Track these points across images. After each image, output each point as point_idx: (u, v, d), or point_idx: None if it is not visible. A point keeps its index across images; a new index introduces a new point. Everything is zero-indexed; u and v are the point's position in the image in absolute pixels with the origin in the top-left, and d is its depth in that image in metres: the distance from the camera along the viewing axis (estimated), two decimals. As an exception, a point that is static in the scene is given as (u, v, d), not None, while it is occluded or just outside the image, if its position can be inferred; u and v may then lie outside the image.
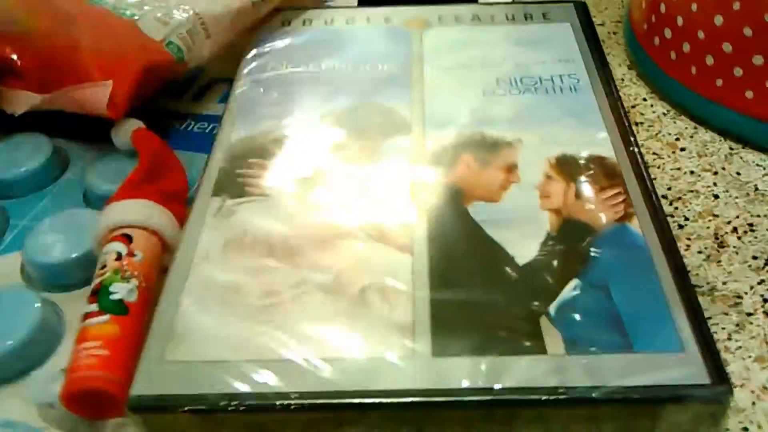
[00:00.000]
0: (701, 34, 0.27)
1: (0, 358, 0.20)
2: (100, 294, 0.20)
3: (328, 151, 0.26)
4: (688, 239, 0.24)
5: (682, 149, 0.27)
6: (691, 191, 0.25)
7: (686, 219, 0.24)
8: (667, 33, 0.28)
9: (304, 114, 0.27)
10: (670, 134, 0.28)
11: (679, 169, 0.26)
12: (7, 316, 0.21)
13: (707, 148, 0.27)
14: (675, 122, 0.28)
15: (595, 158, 0.24)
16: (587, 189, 0.23)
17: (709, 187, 0.25)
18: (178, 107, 0.30)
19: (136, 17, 0.28)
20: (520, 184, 0.24)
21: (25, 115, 0.27)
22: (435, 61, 0.30)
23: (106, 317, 0.20)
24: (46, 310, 0.22)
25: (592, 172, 0.24)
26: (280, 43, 0.31)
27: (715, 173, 0.26)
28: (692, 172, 0.26)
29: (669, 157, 0.27)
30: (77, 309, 0.22)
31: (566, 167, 0.24)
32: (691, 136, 0.28)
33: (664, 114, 0.29)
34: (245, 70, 0.29)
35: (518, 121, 0.26)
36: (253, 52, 0.31)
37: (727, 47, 0.26)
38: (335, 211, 0.23)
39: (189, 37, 0.28)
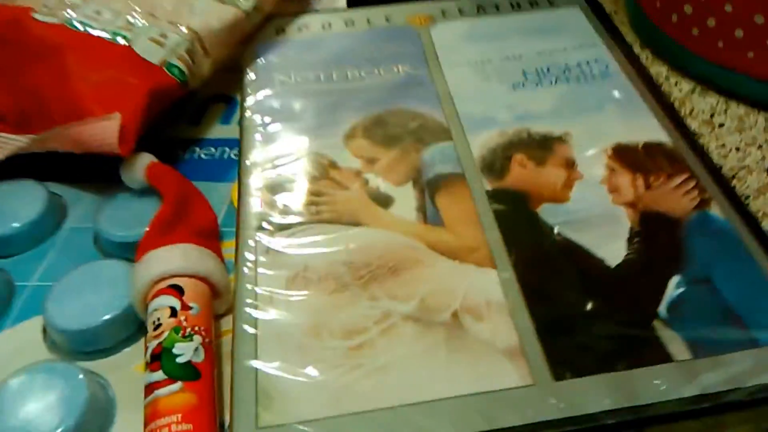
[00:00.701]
0: (728, 8, 0.26)
1: (51, 449, 0.17)
2: (163, 358, 0.18)
3: (366, 166, 0.23)
4: (757, 217, 0.23)
5: (721, 125, 0.26)
6: (743, 167, 0.25)
7: (746, 197, 0.24)
8: (687, 9, 0.28)
9: (329, 128, 0.25)
10: (703, 111, 0.27)
11: (723, 146, 0.26)
12: (50, 397, 0.18)
13: (744, 123, 0.26)
14: (704, 98, 0.28)
15: (652, 145, 0.23)
16: (656, 178, 0.22)
17: (758, 161, 0.25)
18: (178, 133, 0.28)
19: (129, 41, 0.25)
20: (583, 181, 0.22)
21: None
22: (451, 57, 0.28)
23: (177, 385, 0.17)
24: (92, 383, 0.19)
25: (654, 159, 0.23)
26: (281, 54, 0.29)
27: (760, 147, 0.25)
28: (737, 149, 0.25)
29: (710, 135, 0.26)
30: (123, 377, 0.20)
31: (627, 157, 0.23)
32: (725, 111, 0.27)
33: (691, 91, 0.28)
34: (251, 89, 0.27)
35: (559, 114, 0.25)
36: (254, 67, 0.28)
37: (759, 19, 0.25)
38: (394, 230, 0.21)
39: (189, 56, 0.26)
